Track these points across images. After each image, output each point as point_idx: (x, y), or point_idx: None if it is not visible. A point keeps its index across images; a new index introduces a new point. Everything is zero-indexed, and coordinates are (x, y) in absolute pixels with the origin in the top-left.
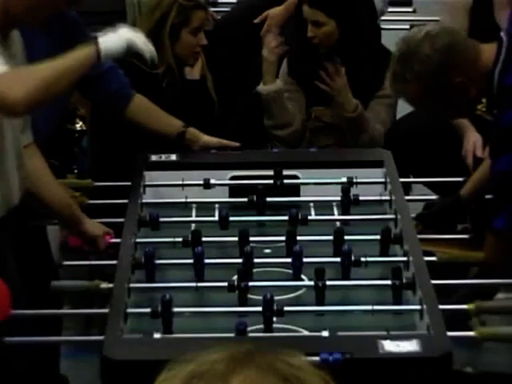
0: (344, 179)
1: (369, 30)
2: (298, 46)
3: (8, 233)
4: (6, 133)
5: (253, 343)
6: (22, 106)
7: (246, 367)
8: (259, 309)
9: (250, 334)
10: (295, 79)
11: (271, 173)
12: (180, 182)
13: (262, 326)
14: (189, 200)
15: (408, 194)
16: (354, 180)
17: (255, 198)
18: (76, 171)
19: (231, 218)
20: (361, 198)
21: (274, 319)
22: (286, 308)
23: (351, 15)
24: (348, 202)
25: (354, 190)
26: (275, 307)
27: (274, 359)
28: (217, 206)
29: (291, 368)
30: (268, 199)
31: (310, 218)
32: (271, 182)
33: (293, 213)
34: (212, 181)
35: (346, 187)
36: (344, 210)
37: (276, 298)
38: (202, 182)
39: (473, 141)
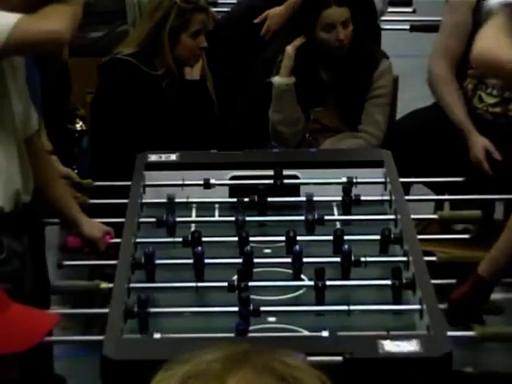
0: (344, 179)
1: (375, 33)
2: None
3: (26, 236)
4: (6, 123)
5: (249, 343)
6: (68, 32)
7: (243, 367)
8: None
9: (250, 335)
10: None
11: (271, 173)
12: (180, 182)
13: (262, 326)
14: (189, 200)
15: (408, 194)
16: (354, 180)
17: (256, 197)
18: (76, 171)
19: (231, 218)
20: (361, 198)
21: (274, 319)
22: (285, 308)
23: (365, 17)
24: (349, 202)
25: (354, 190)
26: (251, 307)
27: (270, 359)
28: (217, 205)
29: (288, 368)
30: (269, 199)
31: (309, 218)
32: (271, 181)
33: (309, 214)
34: (212, 181)
35: (347, 187)
36: (345, 210)
37: (276, 297)
38: (202, 182)
39: (482, 146)
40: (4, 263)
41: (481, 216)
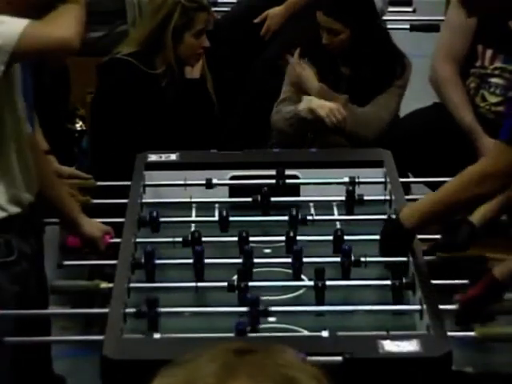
0: (346, 179)
1: (379, 32)
2: (310, 47)
3: (33, 237)
4: (6, 123)
5: (241, 342)
6: (76, 39)
7: (238, 378)
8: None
9: (250, 334)
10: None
11: (271, 173)
12: (180, 182)
13: (262, 326)
14: (189, 200)
15: (408, 194)
16: (357, 180)
17: (259, 198)
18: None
19: (232, 218)
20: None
21: (274, 319)
22: (285, 308)
23: (366, 23)
24: (353, 202)
25: (356, 190)
26: (260, 307)
27: (263, 365)
28: (217, 205)
29: (281, 368)
30: (272, 199)
31: (309, 218)
32: (271, 181)
33: (292, 213)
34: (213, 180)
35: (351, 187)
36: (348, 210)
37: (276, 297)
38: (202, 182)
39: None
40: (14, 264)
41: None
